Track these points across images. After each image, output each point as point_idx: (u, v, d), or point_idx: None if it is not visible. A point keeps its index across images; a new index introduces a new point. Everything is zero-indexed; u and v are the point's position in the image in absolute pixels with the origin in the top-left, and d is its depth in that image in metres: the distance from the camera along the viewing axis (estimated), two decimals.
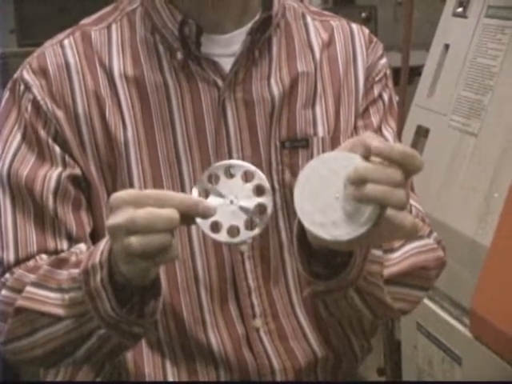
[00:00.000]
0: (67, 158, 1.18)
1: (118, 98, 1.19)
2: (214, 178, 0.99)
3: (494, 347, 1.64)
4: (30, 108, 1.18)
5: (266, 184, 1.00)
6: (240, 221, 0.99)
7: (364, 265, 1.08)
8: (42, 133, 1.18)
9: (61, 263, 1.12)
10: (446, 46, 2.07)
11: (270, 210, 0.99)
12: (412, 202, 1.26)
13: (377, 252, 1.10)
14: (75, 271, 1.07)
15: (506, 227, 1.66)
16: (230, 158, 1.19)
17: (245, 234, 0.99)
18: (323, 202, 0.96)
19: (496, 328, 1.62)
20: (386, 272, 1.13)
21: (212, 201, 0.98)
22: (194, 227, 1.14)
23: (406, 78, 2.36)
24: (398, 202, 0.94)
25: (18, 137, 1.19)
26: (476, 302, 1.69)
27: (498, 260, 1.66)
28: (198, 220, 0.98)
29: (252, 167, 1.00)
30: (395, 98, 1.32)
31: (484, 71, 1.89)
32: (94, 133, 1.18)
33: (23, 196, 1.17)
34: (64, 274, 1.09)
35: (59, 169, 1.18)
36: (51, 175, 1.17)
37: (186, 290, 1.20)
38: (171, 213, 0.95)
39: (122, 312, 1.03)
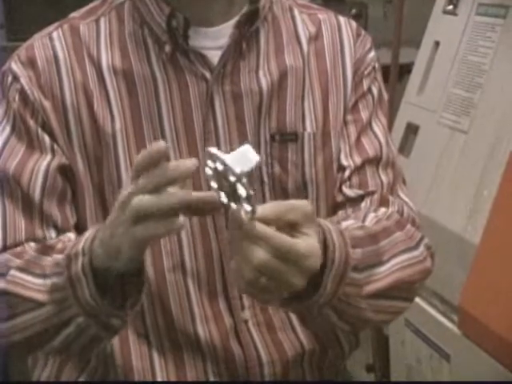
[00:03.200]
0: (55, 146, 1.18)
1: (106, 90, 1.19)
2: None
3: (482, 344, 1.65)
4: (17, 98, 1.19)
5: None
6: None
7: (338, 288, 1.06)
8: (31, 122, 1.18)
9: (47, 249, 1.12)
10: (437, 44, 2.07)
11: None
12: (404, 197, 1.26)
13: (355, 275, 1.08)
14: (59, 256, 1.08)
15: (495, 225, 1.66)
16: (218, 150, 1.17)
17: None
18: None
19: (484, 325, 1.62)
20: (371, 287, 1.11)
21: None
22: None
23: (395, 74, 2.37)
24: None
25: (7, 129, 1.20)
26: (464, 298, 1.69)
27: (486, 257, 1.67)
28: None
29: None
30: (385, 92, 1.31)
31: (474, 69, 1.89)
32: (82, 124, 1.18)
33: (12, 186, 1.18)
34: (49, 259, 1.10)
35: (48, 157, 1.18)
36: (39, 168, 1.17)
37: (173, 282, 1.19)
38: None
39: (101, 301, 1.04)
